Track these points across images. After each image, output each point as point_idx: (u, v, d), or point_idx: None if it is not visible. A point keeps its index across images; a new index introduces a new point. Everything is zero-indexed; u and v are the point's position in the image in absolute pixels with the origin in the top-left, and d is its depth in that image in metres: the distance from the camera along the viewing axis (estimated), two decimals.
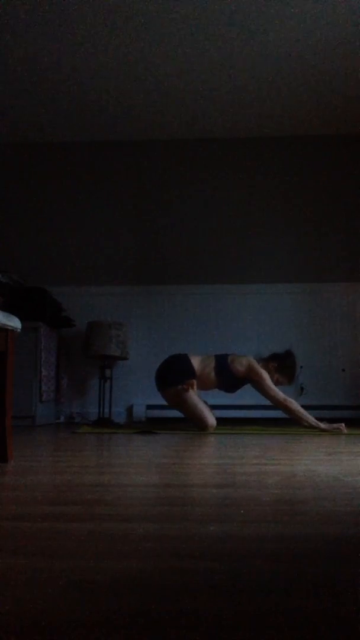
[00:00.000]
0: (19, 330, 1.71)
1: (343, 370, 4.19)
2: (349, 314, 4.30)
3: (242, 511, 0.93)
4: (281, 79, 3.77)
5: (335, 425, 3.06)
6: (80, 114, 4.24)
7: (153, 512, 0.93)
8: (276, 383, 3.28)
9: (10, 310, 3.64)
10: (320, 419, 3.30)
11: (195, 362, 3.23)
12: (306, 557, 0.68)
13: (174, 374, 3.19)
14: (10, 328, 1.65)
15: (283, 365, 3.27)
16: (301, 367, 4.22)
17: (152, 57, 3.53)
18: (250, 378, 3.19)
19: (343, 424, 3.08)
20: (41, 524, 0.85)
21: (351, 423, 3.90)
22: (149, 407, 4.14)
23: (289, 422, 3.78)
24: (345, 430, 3.03)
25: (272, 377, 3.26)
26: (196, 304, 4.37)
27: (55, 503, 1.01)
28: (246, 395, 4.17)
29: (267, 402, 3.99)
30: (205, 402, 3.27)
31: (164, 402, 4.17)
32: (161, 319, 4.36)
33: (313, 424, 3.05)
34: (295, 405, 3.08)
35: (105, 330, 3.84)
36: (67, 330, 4.30)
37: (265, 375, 3.14)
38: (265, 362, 3.31)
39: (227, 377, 3.21)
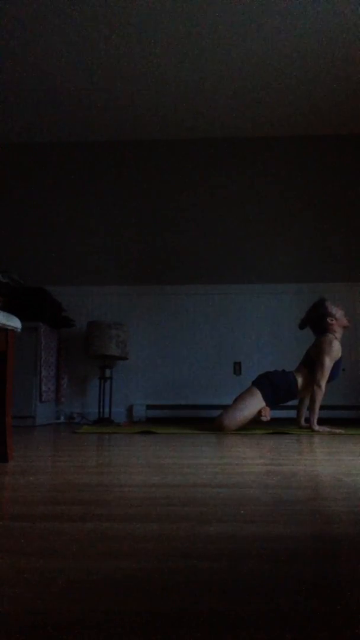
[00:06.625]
0: (19, 330, 1.71)
1: (343, 370, 4.18)
2: (349, 314, 4.30)
3: (242, 511, 0.93)
4: (282, 78, 3.77)
5: (329, 429, 3.10)
6: (80, 114, 4.24)
7: (153, 512, 0.93)
8: (348, 324, 3.31)
9: (10, 310, 3.64)
10: (320, 420, 3.31)
11: (299, 380, 3.23)
12: (306, 557, 0.68)
13: (273, 391, 3.15)
14: (10, 328, 1.65)
15: (332, 310, 3.30)
16: None
17: (153, 56, 3.53)
18: (317, 350, 3.22)
19: (329, 429, 3.13)
20: (41, 524, 0.85)
21: (351, 423, 3.90)
22: (149, 407, 4.14)
23: (290, 423, 3.78)
24: (337, 431, 3.06)
25: (342, 326, 3.29)
26: (196, 304, 4.37)
27: (55, 503, 1.00)
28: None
29: None
30: (251, 422, 3.22)
31: (164, 402, 4.18)
32: (161, 319, 4.36)
33: (314, 426, 3.10)
34: (320, 397, 3.15)
35: (105, 330, 3.84)
36: (67, 330, 4.30)
37: (329, 355, 3.16)
38: (330, 320, 3.29)
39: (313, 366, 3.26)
